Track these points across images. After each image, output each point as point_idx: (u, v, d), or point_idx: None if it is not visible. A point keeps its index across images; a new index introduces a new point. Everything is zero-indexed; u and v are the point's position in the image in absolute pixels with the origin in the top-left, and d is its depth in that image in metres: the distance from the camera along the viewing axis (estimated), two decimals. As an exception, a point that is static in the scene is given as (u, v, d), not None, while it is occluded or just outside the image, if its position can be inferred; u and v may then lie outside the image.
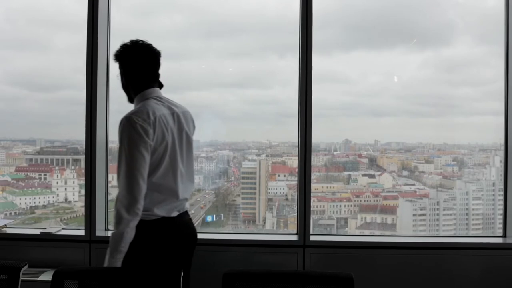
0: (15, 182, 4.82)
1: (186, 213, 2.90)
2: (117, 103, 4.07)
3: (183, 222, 2.86)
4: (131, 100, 2.87)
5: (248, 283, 2.39)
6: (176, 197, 2.76)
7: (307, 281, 2.40)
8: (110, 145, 4.04)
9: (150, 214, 2.67)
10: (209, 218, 4.64)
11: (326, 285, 2.34)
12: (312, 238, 3.78)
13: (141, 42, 2.83)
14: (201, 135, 4.40)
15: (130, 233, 2.55)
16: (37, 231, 3.86)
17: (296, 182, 3.97)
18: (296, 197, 4.08)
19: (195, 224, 4.50)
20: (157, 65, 2.87)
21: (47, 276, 3.37)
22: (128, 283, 2.48)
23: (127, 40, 2.87)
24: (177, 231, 2.79)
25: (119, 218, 2.53)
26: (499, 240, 3.97)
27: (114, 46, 3.95)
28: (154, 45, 2.86)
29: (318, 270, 2.76)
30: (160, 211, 2.70)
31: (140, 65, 2.81)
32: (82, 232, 3.84)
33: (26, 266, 2.70)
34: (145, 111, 2.63)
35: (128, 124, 2.57)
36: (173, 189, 2.74)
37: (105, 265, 2.59)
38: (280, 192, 4.71)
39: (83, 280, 2.52)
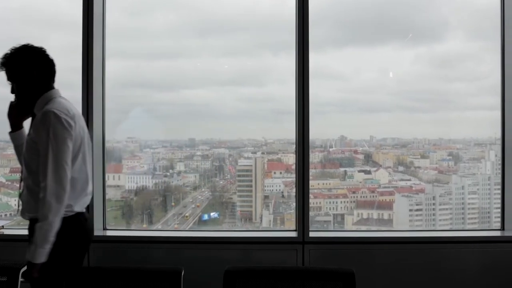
0: (9, 183, 4.79)
1: (87, 209, 2.97)
2: (114, 103, 4.07)
3: (88, 218, 2.95)
4: (28, 106, 2.83)
5: (249, 280, 2.40)
6: (86, 192, 2.85)
7: (309, 277, 2.41)
8: (106, 144, 4.03)
9: (69, 211, 2.70)
10: (205, 217, 4.63)
11: (328, 281, 2.36)
12: (311, 234, 3.79)
13: (32, 45, 2.83)
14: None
15: (58, 223, 2.56)
16: (35, 232, 3.84)
17: (292, 179, 3.98)
18: (292, 194, 4.09)
19: (192, 223, 4.55)
20: (54, 66, 2.88)
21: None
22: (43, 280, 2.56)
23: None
24: (88, 226, 2.90)
25: (49, 208, 2.52)
26: (497, 234, 4.02)
27: (110, 45, 3.98)
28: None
29: (319, 266, 2.77)
30: (76, 207, 2.75)
31: (43, 65, 2.81)
32: (80, 232, 3.83)
33: (25, 267, 2.69)
34: (64, 107, 2.69)
35: (54, 118, 2.60)
36: (85, 184, 2.83)
37: (31, 257, 2.54)
38: (276, 190, 4.71)
39: (82, 280, 2.53)
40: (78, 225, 2.76)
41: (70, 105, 2.79)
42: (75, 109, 2.80)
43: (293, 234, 3.86)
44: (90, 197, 2.92)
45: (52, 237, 2.53)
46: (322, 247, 3.80)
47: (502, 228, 4.03)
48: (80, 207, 2.79)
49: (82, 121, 2.84)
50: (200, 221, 4.60)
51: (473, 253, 3.78)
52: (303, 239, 3.78)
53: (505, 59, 4.00)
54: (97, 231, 3.88)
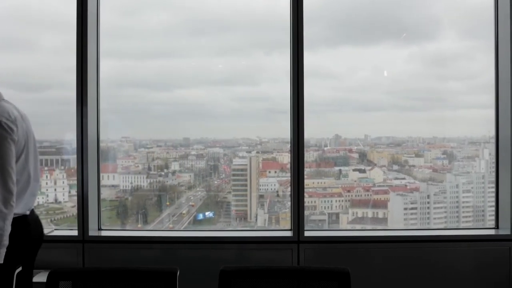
0: (3, 183, 4.75)
1: (33, 210, 2.93)
2: (108, 103, 4.06)
3: (35, 220, 2.91)
4: None
5: (245, 280, 2.39)
6: (27, 192, 2.81)
7: (304, 276, 2.40)
8: (101, 144, 4.02)
9: None
10: (200, 216, 4.63)
11: (323, 280, 2.35)
12: (306, 233, 3.80)
13: None
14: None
15: (9, 227, 2.55)
16: (29, 233, 3.82)
17: (287, 178, 3.97)
18: (287, 193, 4.09)
19: (187, 222, 4.54)
20: None
21: (41, 277, 3.33)
22: None
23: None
24: (32, 229, 2.85)
25: None
26: (492, 232, 4.03)
27: (104, 45, 3.96)
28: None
29: (315, 266, 2.77)
30: (17, 209, 2.71)
31: None
32: (74, 233, 3.83)
33: (20, 268, 2.69)
34: (5, 111, 2.66)
35: None
36: (26, 185, 2.80)
37: None
38: (271, 189, 4.71)
39: (77, 281, 2.51)
40: (19, 228, 2.71)
41: (12, 108, 2.76)
42: (17, 112, 2.77)
43: (288, 234, 3.86)
44: (34, 198, 2.91)
45: (6, 241, 2.53)
46: (317, 247, 3.80)
47: (496, 227, 4.04)
48: (21, 208, 2.76)
49: (25, 123, 2.82)
50: (195, 221, 4.59)
51: (467, 251, 3.79)
52: (298, 239, 3.78)
53: (498, 58, 4.01)
54: (92, 231, 3.88)
